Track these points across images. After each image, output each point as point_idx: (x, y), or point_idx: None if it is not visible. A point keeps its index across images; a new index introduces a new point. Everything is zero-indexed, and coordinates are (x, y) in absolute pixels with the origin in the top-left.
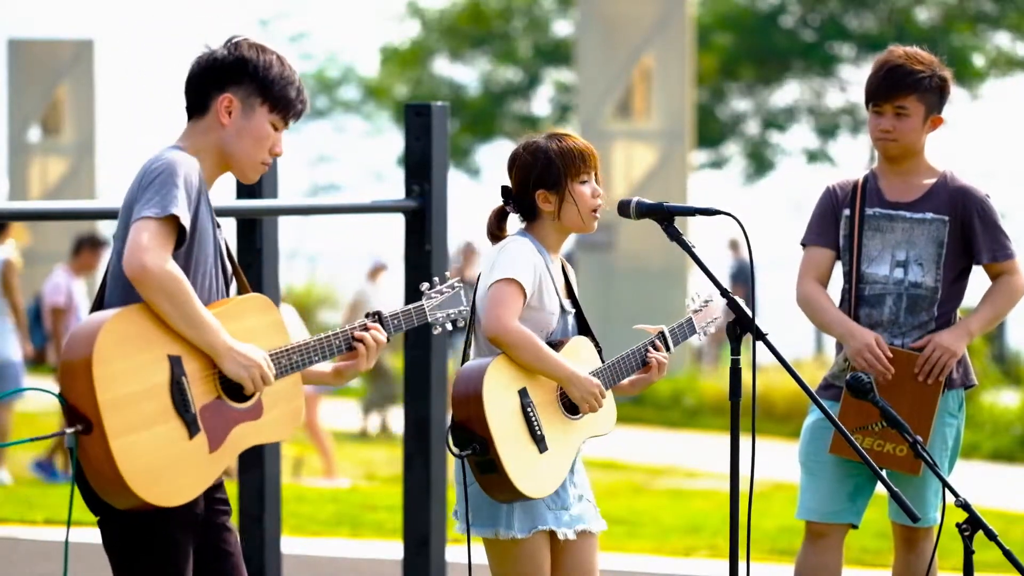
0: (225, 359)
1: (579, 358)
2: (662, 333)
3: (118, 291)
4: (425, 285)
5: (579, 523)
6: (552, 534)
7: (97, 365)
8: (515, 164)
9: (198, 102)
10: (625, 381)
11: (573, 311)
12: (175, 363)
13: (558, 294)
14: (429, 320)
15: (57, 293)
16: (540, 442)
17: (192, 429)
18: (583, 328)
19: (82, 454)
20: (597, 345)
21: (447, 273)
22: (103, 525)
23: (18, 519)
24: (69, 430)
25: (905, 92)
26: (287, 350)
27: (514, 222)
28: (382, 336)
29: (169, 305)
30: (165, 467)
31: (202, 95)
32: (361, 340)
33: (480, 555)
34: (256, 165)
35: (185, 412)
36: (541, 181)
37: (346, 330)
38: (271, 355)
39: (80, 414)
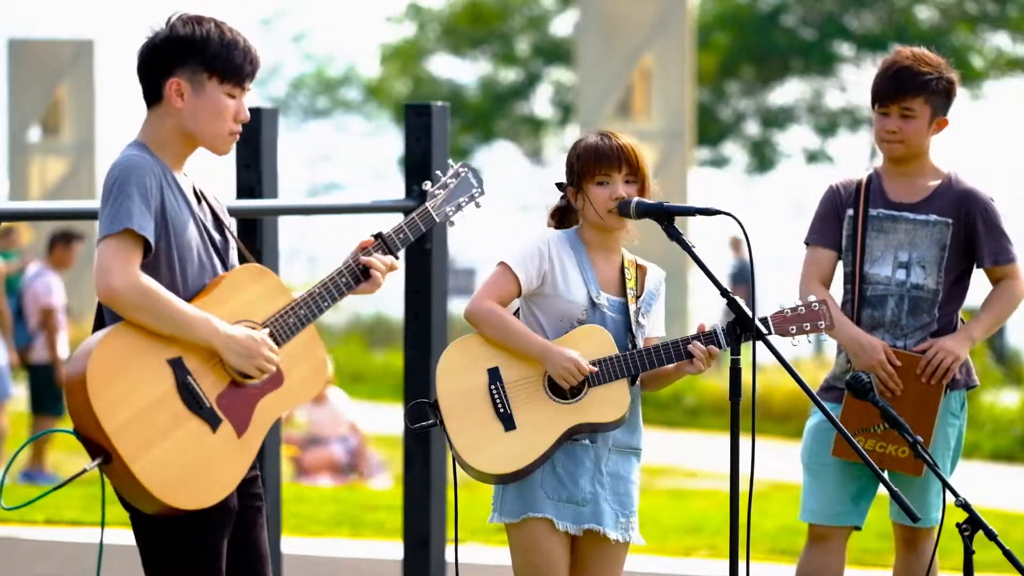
0: (225, 352)
1: (580, 344)
2: (713, 330)
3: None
4: (427, 183)
5: (588, 522)
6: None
7: (95, 399)
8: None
9: (151, 91)
10: (671, 366)
11: (612, 307)
12: (176, 365)
13: (588, 286)
14: (437, 220)
15: (48, 293)
16: (506, 420)
17: (213, 422)
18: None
19: (110, 478)
20: (633, 341)
21: (451, 162)
22: (135, 520)
23: (18, 519)
24: (91, 464)
25: (913, 93)
26: (292, 308)
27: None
28: (389, 259)
29: (151, 318)
30: (195, 470)
31: (152, 83)
32: (370, 265)
33: (478, 555)
34: (223, 137)
35: (200, 408)
36: (568, 178)
37: (351, 265)
38: (276, 317)
39: (97, 445)
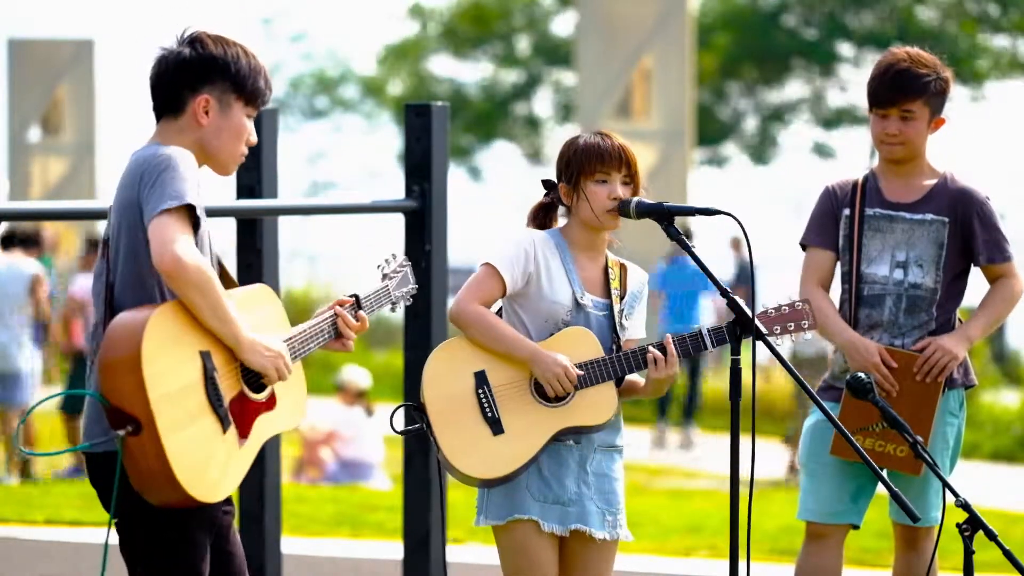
0: (249, 352)
1: (567, 347)
2: (671, 338)
3: (129, 293)
4: (382, 264)
5: (574, 522)
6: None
7: (147, 364)
8: (557, 156)
9: (170, 103)
10: (640, 381)
11: (597, 308)
12: (206, 358)
13: (572, 286)
14: (393, 299)
15: (81, 289)
16: (493, 424)
17: (225, 423)
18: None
19: (129, 454)
20: (617, 342)
21: (394, 253)
22: (121, 525)
23: (18, 519)
24: (120, 432)
25: (912, 96)
26: (290, 339)
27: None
28: (362, 323)
29: (202, 298)
30: (207, 463)
31: (175, 96)
32: (348, 327)
33: (479, 555)
34: (237, 158)
35: (219, 407)
36: (562, 175)
37: (332, 317)
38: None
39: (127, 415)
